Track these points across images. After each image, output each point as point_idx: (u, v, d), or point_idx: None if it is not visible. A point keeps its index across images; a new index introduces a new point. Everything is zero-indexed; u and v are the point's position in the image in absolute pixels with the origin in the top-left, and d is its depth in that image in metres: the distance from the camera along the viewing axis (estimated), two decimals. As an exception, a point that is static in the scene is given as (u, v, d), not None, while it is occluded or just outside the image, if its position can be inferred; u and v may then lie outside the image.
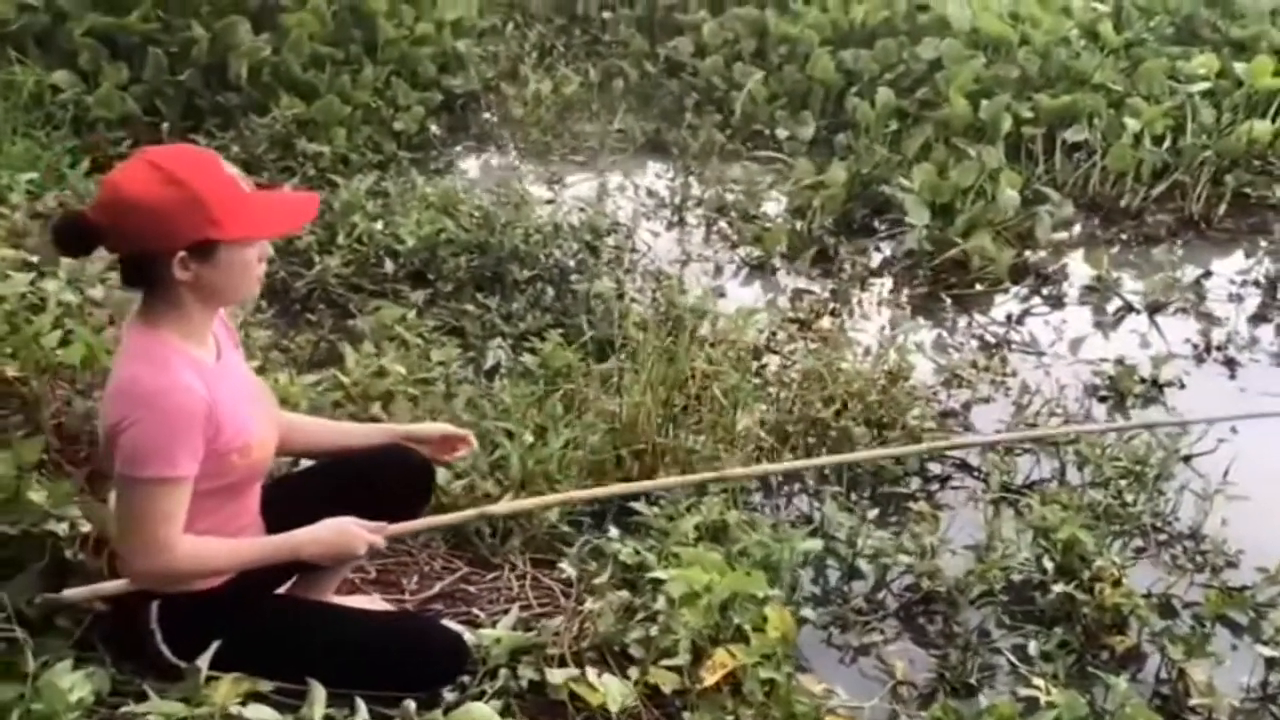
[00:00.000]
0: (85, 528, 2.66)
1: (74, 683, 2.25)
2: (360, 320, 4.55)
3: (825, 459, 3.80)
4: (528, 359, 4.33)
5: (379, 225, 5.30)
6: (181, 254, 2.30)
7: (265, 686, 2.32)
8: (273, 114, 6.29)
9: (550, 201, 5.93)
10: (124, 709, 2.34)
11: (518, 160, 6.87)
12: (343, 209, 5.34)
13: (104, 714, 2.38)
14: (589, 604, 2.99)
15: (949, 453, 4.12)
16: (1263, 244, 6.12)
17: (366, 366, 4.01)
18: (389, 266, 5.08)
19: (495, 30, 8.34)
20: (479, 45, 7.93)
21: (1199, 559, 3.72)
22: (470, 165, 6.87)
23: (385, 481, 2.72)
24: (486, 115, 7.39)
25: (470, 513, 2.84)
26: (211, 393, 2.34)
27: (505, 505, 2.91)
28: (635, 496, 3.44)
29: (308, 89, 6.69)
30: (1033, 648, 3.22)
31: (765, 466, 3.76)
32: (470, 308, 4.80)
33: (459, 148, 7.06)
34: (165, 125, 6.22)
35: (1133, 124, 6.50)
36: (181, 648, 2.46)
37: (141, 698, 2.38)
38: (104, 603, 2.56)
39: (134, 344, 2.37)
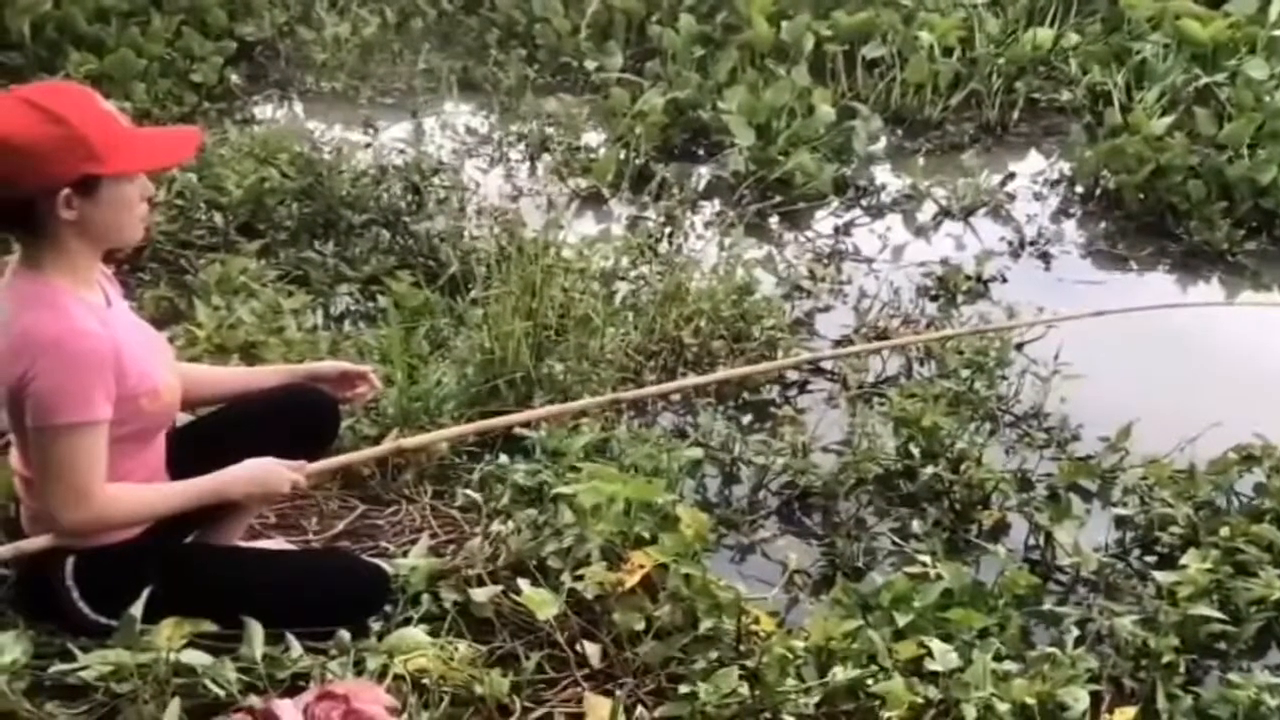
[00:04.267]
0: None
1: (3, 644, 2.18)
2: (201, 275, 4.40)
3: (716, 376, 3.93)
4: (381, 300, 4.29)
5: (196, 179, 5.12)
6: (65, 192, 2.24)
7: (208, 627, 2.28)
8: (65, 71, 6.00)
9: (369, 145, 5.80)
10: (54, 668, 2.28)
11: (327, 105, 6.70)
12: (159, 165, 5.13)
13: (32, 677, 2.31)
14: (496, 525, 3.02)
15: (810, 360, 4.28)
16: (1055, 145, 6.48)
17: (220, 319, 3.92)
18: (218, 220, 4.92)
19: (281, -26, 8.08)
20: (266, -10, 7.67)
21: (1045, 435, 3.97)
22: (278, 113, 6.68)
23: (291, 421, 2.70)
24: (286, 62, 7.15)
25: (385, 447, 2.87)
26: (113, 336, 2.28)
27: (417, 438, 2.91)
28: (526, 424, 3.46)
29: (97, 43, 6.42)
30: (915, 526, 3.41)
31: (665, 386, 3.86)
32: (311, 255, 4.71)
33: (261, 96, 6.84)
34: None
35: (926, 37, 6.75)
36: (100, 603, 2.41)
37: (67, 657, 2.32)
38: (10, 566, 2.47)
39: (23, 292, 2.29)
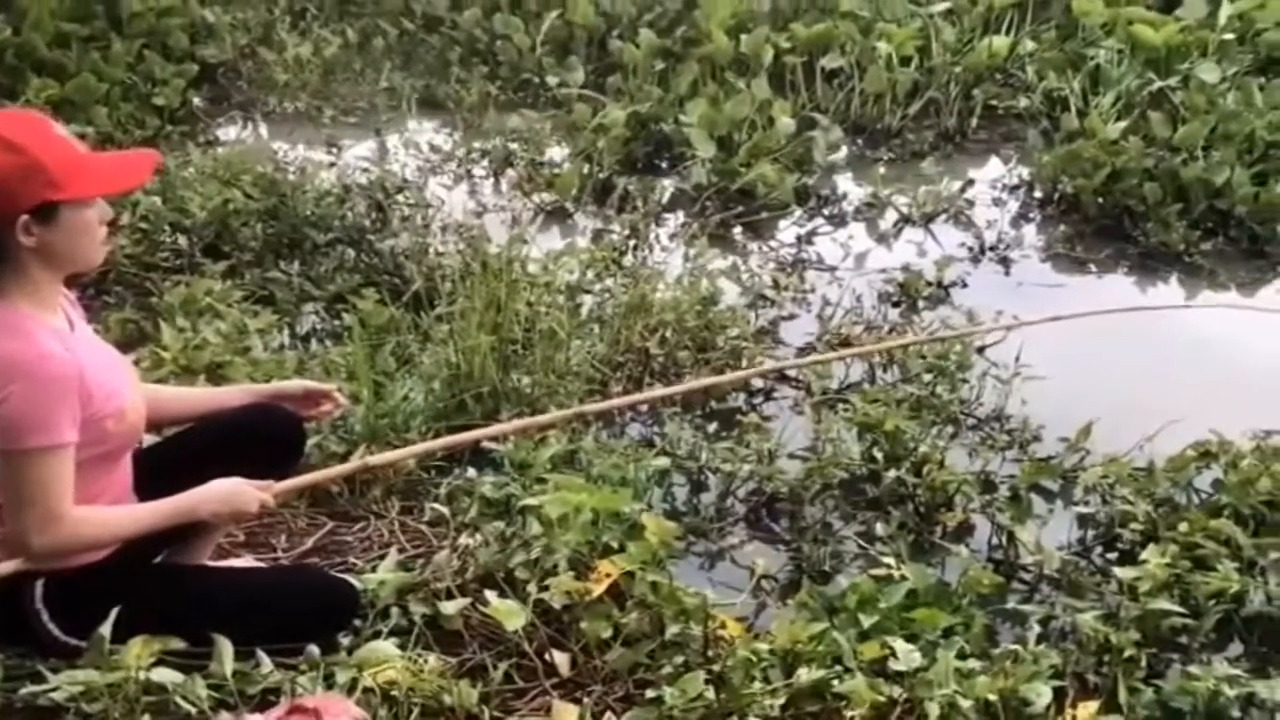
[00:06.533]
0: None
1: (-29, 669, 2.20)
2: (166, 297, 4.41)
3: (679, 388, 3.95)
4: (347, 318, 4.31)
5: (160, 201, 5.13)
6: (24, 219, 2.25)
7: (176, 645, 2.30)
8: (25, 97, 6.00)
9: (333, 164, 5.83)
10: (24, 690, 2.29)
11: (290, 126, 6.72)
12: (122, 189, 5.13)
13: (3, 699, 2.32)
14: (464, 538, 3.05)
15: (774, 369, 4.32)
16: (1014, 151, 6.56)
17: (186, 341, 3.93)
18: (182, 242, 4.94)
19: (243, -4, 8.08)
20: (227, 12, 7.68)
21: (1006, 437, 4.02)
22: (241, 134, 6.70)
23: (256, 440, 2.72)
24: (249, 84, 7.16)
25: (352, 465, 2.90)
26: (77, 359, 2.30)
27: (383, 456, 2.94)
28: (493, 439, 3.49)
29: (58, 68, 6.42)
30: (880, 529, 3.45)
31: (629, 398, 3.88)
32: (277, 274, 4.73)
33: (224, 118, 6.86)
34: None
35: (883, 47, 6.82)
36: (70, 625, 2.42)
37: (38, 679, 2.33)
38: (-24, 591, 2.48)
39: (-13, 320, 2.29)
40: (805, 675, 2.54)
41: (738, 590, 3.28)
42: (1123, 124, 6.07)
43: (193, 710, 2.31)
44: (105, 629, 2.28)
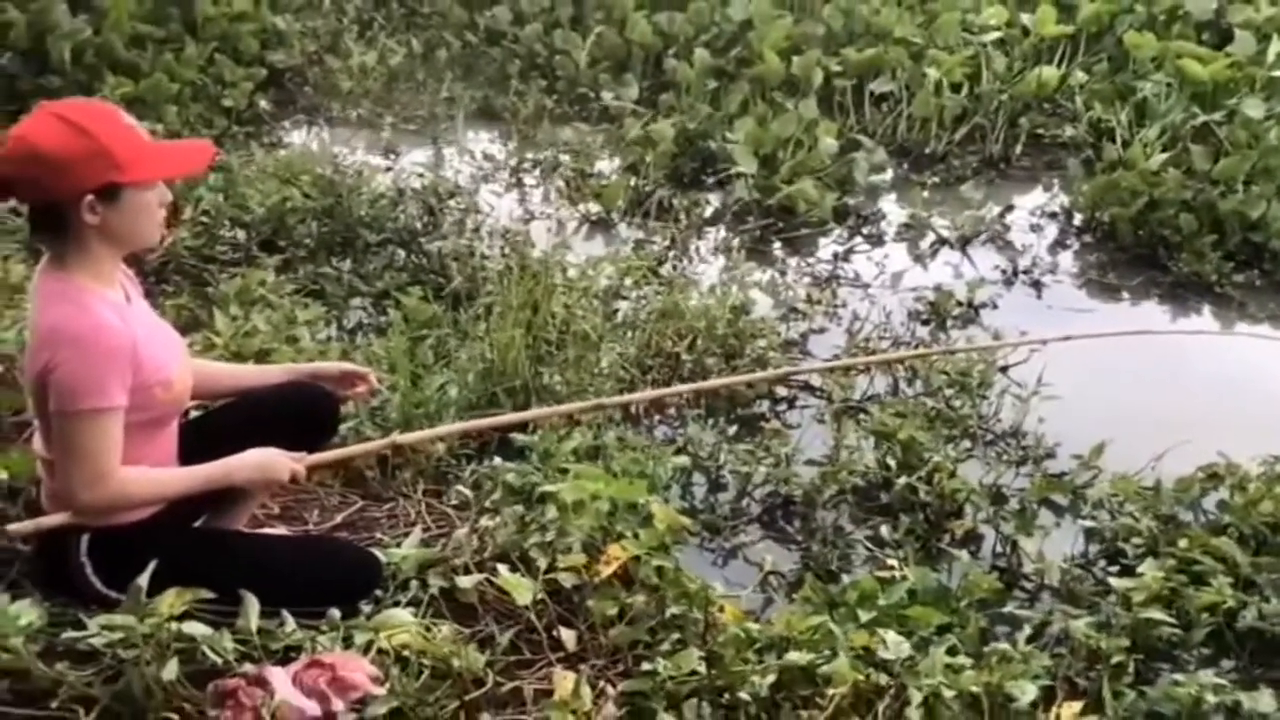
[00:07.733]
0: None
1: (20, 610, 2.38)
2: (221, 287, 4.62)
3: (694, 385, 4.12)
4: (392, 314, 4.50)
5: (222, 198, 5.36)
6: (89, 198, 2.44)
7: (207, 595, 2.46)
8: (101, 94, 6.25)
9: (389, 169, 6.06)
10: (66, 635, 2.47)
11: (351, 131, 6.95)
12: (186, 183, 5.36)
13: (46, 642, 2.50)
14: (485, 520, 3.21)
15: (794, 376, 4.45)
16: (1056, 179, 6.65)
17: (237, 328, 4.14)
18: (241, 236, 5.16)
19: (313, 4, 8.34)
20: (298, 20, 7.95)
21: (1021, 452, 4.13)
22: (304, 137, 6.94)
23: (292, 416, 2.89)
24: (314, 89, 7.41)
25: (381, 441, 3.05)
26: (131, 330, 2.48)
27: (412, 435, 3.12)
28: (516, 427, 3.65)
29: (132, 68, 6.68)
30: (885, 531, 3.57)
31: (648, 393, 4.05)
32: (328, 270, 4.94)
33: (289, 121, 7.10)
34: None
35: (933, 74, 6.94)
36: (111, 578, 2.60)
37: (78, 626, 2.50)
38: (28, 542, 2.67)
39: (50, 290, 2.50)
40: (795, 656, 2.66)
41: (751, 580, 3.42)
42: (1164, 156, 6.13)
43: (219, 660, 2.48)
44: (143, 580, 2.45)
